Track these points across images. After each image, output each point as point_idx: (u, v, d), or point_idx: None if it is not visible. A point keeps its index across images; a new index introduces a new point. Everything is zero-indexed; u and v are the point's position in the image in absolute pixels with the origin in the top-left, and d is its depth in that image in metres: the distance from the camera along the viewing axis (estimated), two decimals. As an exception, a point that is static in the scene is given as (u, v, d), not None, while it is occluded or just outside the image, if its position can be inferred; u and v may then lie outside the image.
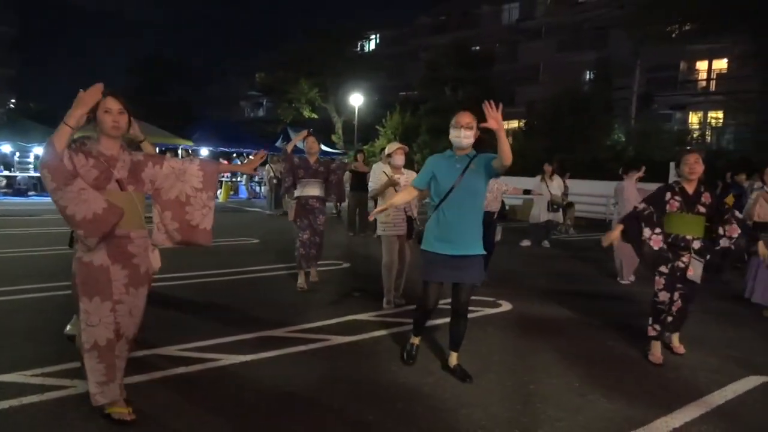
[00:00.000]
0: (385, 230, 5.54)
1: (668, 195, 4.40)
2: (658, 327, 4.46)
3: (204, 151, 23.24)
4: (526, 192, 8.03)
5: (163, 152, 14.05)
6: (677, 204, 4.35)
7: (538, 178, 11.05)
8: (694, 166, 4.28)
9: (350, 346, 4.43)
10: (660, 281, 4.42)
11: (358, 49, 36.76)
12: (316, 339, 4.52)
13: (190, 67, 43.83)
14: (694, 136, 24.45)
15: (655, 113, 24.88)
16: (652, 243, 4.37)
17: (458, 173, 3.71)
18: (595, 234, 11.53)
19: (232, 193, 21.87)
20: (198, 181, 3.12)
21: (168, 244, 3.14)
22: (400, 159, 5.53)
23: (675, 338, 4.67)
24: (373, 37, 43.00)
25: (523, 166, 20.06)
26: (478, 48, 28.29)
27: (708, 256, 4.35)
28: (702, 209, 4.29)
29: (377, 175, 5.68)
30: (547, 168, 11.06)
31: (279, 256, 8.30)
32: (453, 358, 3.97)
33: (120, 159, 2.90)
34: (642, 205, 4.51)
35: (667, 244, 4.37)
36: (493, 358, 4.30)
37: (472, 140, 3.75)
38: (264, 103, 47.08)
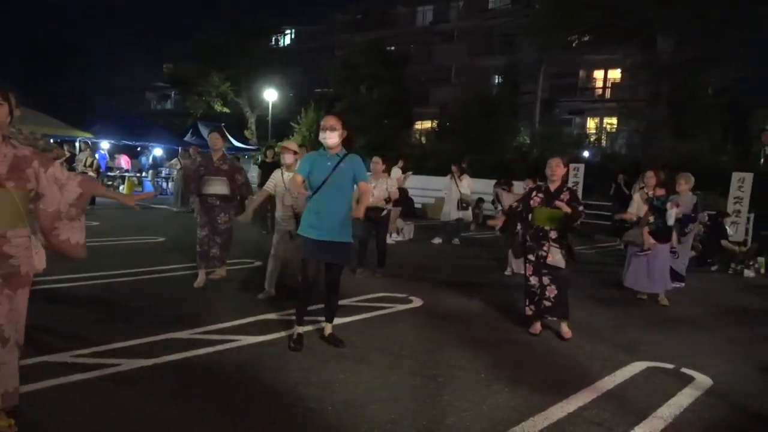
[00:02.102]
0: (279, 225, 5.83)
1: (534, 193, 5.21)
2: (533, 307, 5.16)
3: (105, 144, 21.79)
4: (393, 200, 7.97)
5: (60, 144, 13.03)
6: (539, 200, 5.12)
7: (448, 177, 11.38)
8: (555, 169, 5.05)
9: (259, 346, 4.34)
10: (529, 268, 5.19)
11: (273, 43, 35.96)
12: (223, 340, 4.39)
13: (91, 55, 40.97)
14: (591, 140, 26.23)
15: (557, 118, 26.43)
16: (520, 236, 5.23)
17: (329, 170, 4.22)
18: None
19: (136, 188, 20.70)
20: (74, 198, 2.98)
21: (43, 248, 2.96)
22: (287, 158, 5.84)
23: (564, 325, 5.11)
24: (288, 32, 42.29)
25: (435, 165, 20.67)
26: (393, 48, 28.63)
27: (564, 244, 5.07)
28: (559, 204, 4.94)
29: (273, 178, 5.96)
30: (456, 168, 11.41)
31: (185, 255, 7.95)
32: (327, 329, 4.51)
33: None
34: (515, 204, 5.40)
35: (531, 236, 5.13)
36: (404, 353, 4.38)
37: (336, 140, 4.27)
38: (172, 95, 44.87)
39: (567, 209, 4.90)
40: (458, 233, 11.53)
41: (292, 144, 5.95)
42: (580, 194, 15.59)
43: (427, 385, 3.77)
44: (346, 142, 4.38)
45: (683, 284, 7.60)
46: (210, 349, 4.16)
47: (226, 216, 6.32)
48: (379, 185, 7.26)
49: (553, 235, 5.04)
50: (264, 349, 4.26)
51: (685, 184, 7.39)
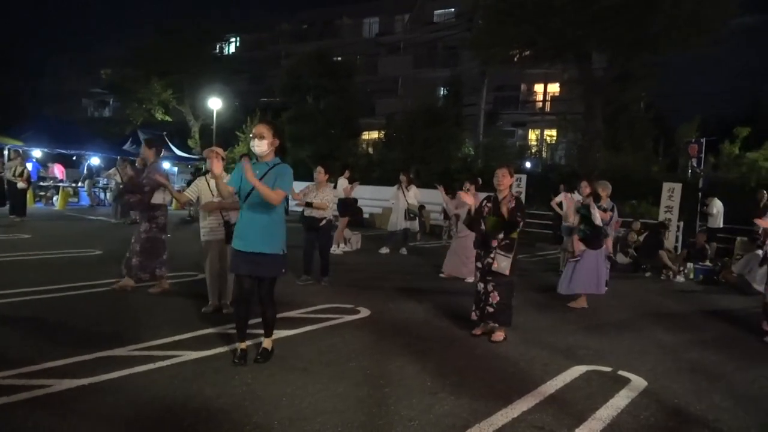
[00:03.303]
0: (205, 236, 5.66)
1: (485, 202, 5.39)
2: (477, 312, 5.37)
3: (37, 153, 20.73)
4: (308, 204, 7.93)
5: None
6: (487, 209, 5.32)
7: (395, 187, 11.47)
8: (501, 179, 5.25)
9: (202, 361, 4.21)
10: (476, 274, 5.45)
11: (218, 51, 35.27)
12: (164, 356, 4.24)
13: (21, 57, 38.90)
14: (533, 151, 27.10)
15: (500, 129, 27.16)
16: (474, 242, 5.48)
17: (257, 179, 4.00)
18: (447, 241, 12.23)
19: (72, 199, 19.77)
20: None
21: None
22: (213, 163, 5.43)
23: (499, 331, 5.29)
24: (233, 39, 41.63)
25: (382, 175, 20.80)
26: (339, 58, 28.72)
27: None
28: (504, 212, 5.13)
29: (196, 184, 5.82)
30: (405, 177, 11.56)
31: (125, 268, 7.65)
32: (264, 343, 4.35)
33: None
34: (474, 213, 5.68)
35: (480, 243, 5.33)
36: (350, 365, 4.36)
37: (264, 149, 4.13)
38: (111, 102, 43.17)
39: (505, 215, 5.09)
40: (406, 243, 11.63)
41: (219, 149, 5.71)
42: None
43: (373, 395, 3.77)
44: (278, 152, 4.25)
45: (606, 288, 7.91)
46: (150, 366, 4.01)
47: (147, 225, 6.32)
48: (321, 194, 7.28)
49: (499, 242, 5.18)
50: (207, 365, 4.15)
51: (602, 191, 7.81)
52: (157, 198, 6.32)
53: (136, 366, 3.99)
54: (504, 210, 5.13)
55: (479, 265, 5.36)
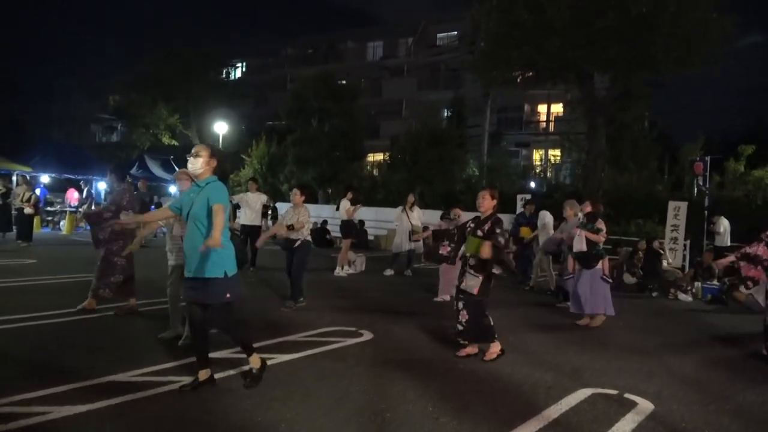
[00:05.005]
0: (171, 260, 5.58)
1: (469, 222, 5.49)
2: (454, 330, 5.47)
3: (45, 178, 20.95)
4: (289, 228, 7.90)
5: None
6: (469, 229, 5.39)
7: (399, 208, 11.48)
8: (482, 201, 5.36)
9: (201, 387, 4.16)
10: (453, 291, 5.61)
11: (224, 75, 35.78)
12: (163, 382, 4.20)
13: (29, 83, 39.55)
14: (537, 171, 27.13)
15: (503, 150, 27.26)
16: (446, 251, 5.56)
17: (190, 202, 4.03)
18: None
19: (81, 224, 19.86)
20: None
21: None
22: (183, 185, 5.35)
23: (491, 348, 5.31)
24: (239, 64, 42.25)
25: (386, 197, 20.86)
26: (344, 82, 29.05)
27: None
28: (480, 233, 5.21)
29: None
30: (411, 198, 11.59)
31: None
32: (251, 362, 4.27)
33: None
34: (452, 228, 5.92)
35: (463, 261, 5.39)
36: (351, 389, 4.31)
37: (198, 167, 4.08)
38: (119, 127, 43.71)
39: (484, 241, 5.14)
40: (410, 264, 11.58)
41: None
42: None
43: (374, 421, 3.72)
44: (217, 173, 4.18)
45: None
46: (150, 392, 3.98)
47: (109, 247, 6.44)
48: (297, 216, 7.28)
49: (472, 261, 5.25)
50: (206, 391, 4.10)
51: (569, 209, 7.87)
52: (177, 229, 6.27)
53: (135, 392, 3.96)
54: (482, 231, 5.21)
55: (456, 283, 5.52)
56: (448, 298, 8.10)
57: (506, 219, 8.16)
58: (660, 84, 21.63)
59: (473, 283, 5.22)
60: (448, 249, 5.49)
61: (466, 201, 11.03)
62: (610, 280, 7.29)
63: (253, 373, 4.24)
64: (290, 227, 7.23)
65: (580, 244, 7.00)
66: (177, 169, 23.17)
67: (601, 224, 7.08)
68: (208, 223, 3.96)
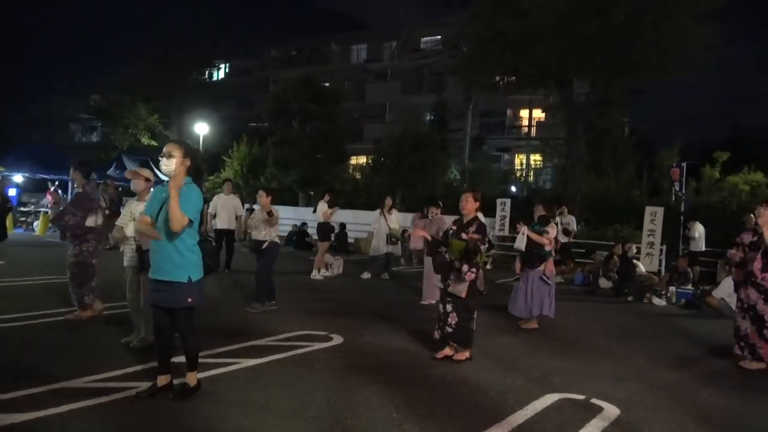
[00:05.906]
0: (125, 262, 5.38)
1: (452, 225, 5.49)
2: (439, 332, 5.42)
3: (18, 178, 20.51)
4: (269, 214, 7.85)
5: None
6: (451, 231, 5.41)
7: (377, 211, 11.42)
8: (464, 204, 5.39)
9: (158, 393, 4.02)
10: (440, 294, 5.51)
11: (206, 76, 35.47)
12: (118, 388, 4.07)
13: (9, 83, 38.89)
14: (518, 175, 27.26)
15: (485, 154, 27.35)
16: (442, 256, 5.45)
17: (161, 203, 3.87)
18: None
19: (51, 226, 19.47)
20: None
21: None
22: (136, 185, 5.29)
23: (462, 351, 5.33)
24: (222, 66, 41.92)
25: (368, 200, 20.76)
26: (327, 84, 28.96)
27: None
28: (464, 236, 5.22)
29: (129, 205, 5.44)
30: (390, 201, 11.52)
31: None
32: (187, 378, 4.05)
33: None
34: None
35: (440, 266, 5.38)
36: (316, 395, 4.21)
37: (170, 168, 3.84)
38: (99, 127, 43.06)
39: (469, 238, 5.15)
40: (388, 268, 11.50)
41: (144, 170, 5.47)
42: (506, 228, 16.09)
43: (334, 428, 3.63)
44: (192, 173, 3.97)
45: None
46: (104, 399, 3.85)
47: (77, 249, 6.19)
48: (262, 216, 7.23)
49: (458, 265, 5.20)
50: (163, 397, 3.98)
51: (537, 213, 7.79)
52: (90, 221, 6.14)
53: (89, 399, 3.82)
54: (466, 235, 5.21)
55: (440, 286, 5.48)
56: (434, 301, 8.04)
57: (487, 222, 8.15)
58: (641, 91, 21.88)
59: (461, 287, 5.23)
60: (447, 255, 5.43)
61: (447, 204, 10.97)
62: (550, 283, 7.24)
63: (185, 389, 4.02)
64: (269, 213, 7.15)
65: (521, 243, 7.03)
66: (156, 170, 23.02)
67: (551, 228, 7.15)
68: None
